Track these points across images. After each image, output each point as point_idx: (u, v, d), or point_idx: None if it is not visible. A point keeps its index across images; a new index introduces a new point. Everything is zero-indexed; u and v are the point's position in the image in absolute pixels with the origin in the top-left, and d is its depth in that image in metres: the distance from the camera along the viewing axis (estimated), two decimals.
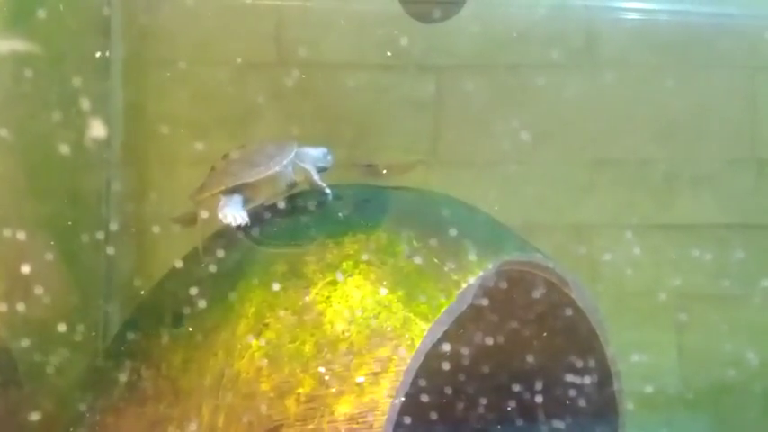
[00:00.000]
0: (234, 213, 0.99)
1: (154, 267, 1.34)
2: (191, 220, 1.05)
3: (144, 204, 1.43)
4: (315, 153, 1.10)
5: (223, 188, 1.02)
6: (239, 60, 1.51)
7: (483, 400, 1.07)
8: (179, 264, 1.01)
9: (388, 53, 1.56)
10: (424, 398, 0.95)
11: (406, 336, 0.86)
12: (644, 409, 1.46)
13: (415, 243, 0.96)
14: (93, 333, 1.25)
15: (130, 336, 0.97)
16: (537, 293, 1.01)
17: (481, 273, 0.93)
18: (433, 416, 1.00)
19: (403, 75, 1.59)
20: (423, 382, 0.90)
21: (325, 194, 1.05)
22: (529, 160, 1.58)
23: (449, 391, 1.04)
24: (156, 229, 1.34)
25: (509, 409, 1.08)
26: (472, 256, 0.95)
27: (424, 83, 1.59)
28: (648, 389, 1.47)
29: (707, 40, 1.58)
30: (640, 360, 1.54)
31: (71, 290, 1.14)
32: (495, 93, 1.59)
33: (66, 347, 1.10)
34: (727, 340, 1.52)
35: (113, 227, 1.36)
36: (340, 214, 1.01)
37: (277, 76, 1.54)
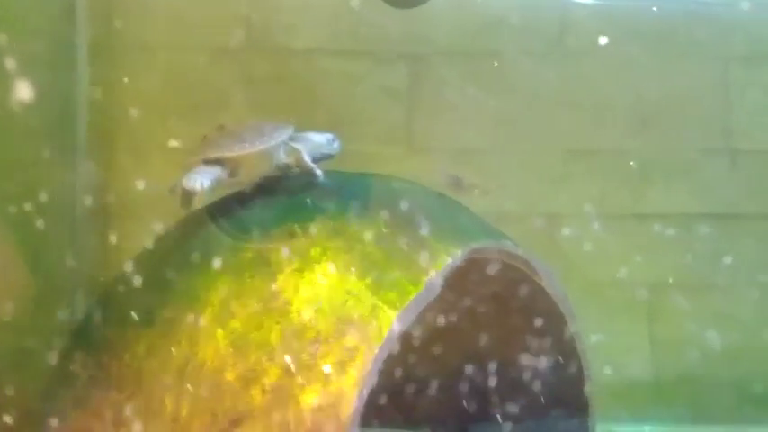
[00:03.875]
0: (195, 178, 0.97)
1: (123, 255, 1.31)
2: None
3: (112, 192, 1.40)
4: (317, 138, 1.09)
5: (203, 157, 1.01)
6: (210, 45, 1.49)
7: (451, 388, 1.06)
8: (144, 251, 0.99)
9: (362, 39, 1.55)
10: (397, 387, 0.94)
11: (374, 324, 0.84)
12: (615, 398, 1.46)
13: (384, 230, 0.94)
14: (61, 324, 1.22)
15: (94, 325, 0.95)
16: (506, 281, 1.00)
17: (450, 260, 0.92)
18: (406, 406, 0.99)
19: (377, 61, 1.57)
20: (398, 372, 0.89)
21: (315, 176, 1.04)
22: (503, 149, 1.58)
23: (420, 379, 1.03)
24: (124, 217, 1.32)
25: (477, 398, 1.07)
26: (441, 244, 0.94)
27: (399, 70, 1.57)
28: (620, 378, 1.48)
29: (681, 29, 1.57)
30: (612, 349, 1.54)
31: (37, 282, 1.12)
32: (469, 81, 1.58)
33: (33, 339, 1.08)
34: (699, 329, 1.52)
35: (80, 215, 1.34)
36: (309, 200, 0.99)
37: (249, 62, 1.52)
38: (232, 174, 1.02)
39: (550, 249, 1.56)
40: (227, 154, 1.01)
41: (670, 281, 1.58)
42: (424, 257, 0.92)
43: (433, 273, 0.90)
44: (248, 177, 1.03)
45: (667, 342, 1.57)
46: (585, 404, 1.08)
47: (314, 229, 0.93)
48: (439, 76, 1.58)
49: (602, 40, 1.53)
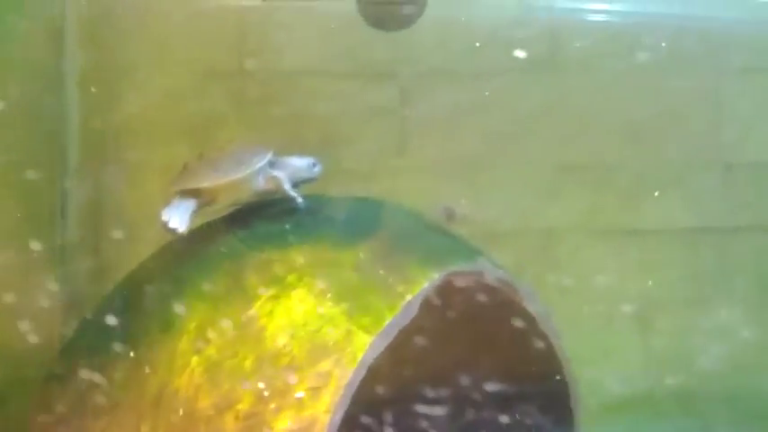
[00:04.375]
0: (173, 216, 0.98)
1: (113, 278, 1.32)
2: None
3: (102, 214, 1.41)
4: (298, 163, 1.08)
5: (181, 188, 1.02)
6: (201, 68, 1.50)
7: (433, 408, 1.06)
8: (125, 278, 1.00)
9: (352, 60, 1.55)
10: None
11: (348, 349, 0.85)
12: (609, 414, 1.46)
13: (361, 255, 0.95)
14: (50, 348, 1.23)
15: (75, 350, 0.96)
16: (486, 302, 1.00)
17: (426, 284, 0.92)
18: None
19: (367, 82, 1.58)
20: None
21: (295, 203, 1.04)
22: (494, 166, 1.58)
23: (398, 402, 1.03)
24: (114, 239, 1.33)
25: (456, 417, 1.07)
26: (418, 268, 0.94)
27: (389, 89, 1.58)
28: (614, 393, 1.47)
29: (672, 42, 1.57)
30: (606, 364, 1.54)
31: (26, 305, 1.13)
32: (459, 99, 1.58)
33: (21, 360, 1.09)
34: (692, 344, 1.52)
35: (71, 238, 1.35)
36: (288, 226, 1.00)
37: (239, 84, 1.53)
38: (211, 202, 1.03)
39: (542, 264, 1.56)
40: (204, 184, 1.01)
41: (663, 295, 1.58)
42: (401, 282, 0.92)
43: (409, 297, 0.90)
44: (227, 204, 1.04)
45: (660, 357, 1.57)
46: (570, 420, 1.08)
47: (292, 255, 0.94)
48: (429, 95, 1.59)
49: (593, 56, 1.53)
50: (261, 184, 1.04)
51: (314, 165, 1.10)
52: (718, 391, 1.52)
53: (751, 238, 1.59)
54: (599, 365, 1.52)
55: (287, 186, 1.04)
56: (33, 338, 0.99)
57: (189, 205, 1.01)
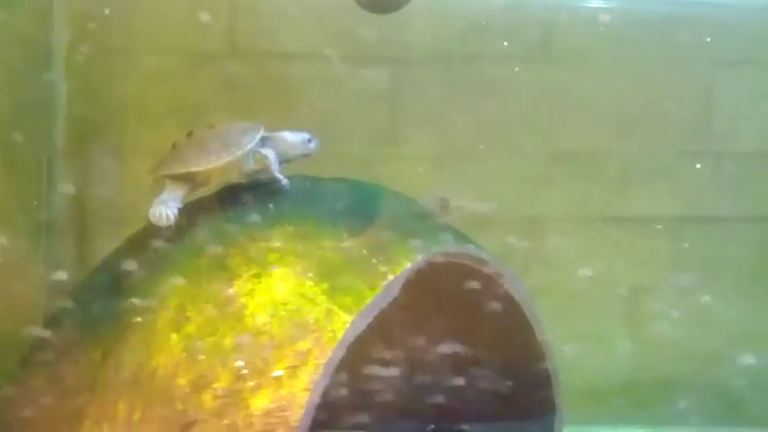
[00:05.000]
0: (163, 211, 0.97)
1: (98, 256, 1.32)
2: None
3: (87, 195, 1.41)
4: (291, 138, 1.07)
5: (170, 173, 1.01)
6: (192, 50, 1.50)
7: (415, 390, 1.06)
8: (107, 257, 1.00)
9: (344, 43, 1.55)
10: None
11: (329, 328, 0.85)
12: (596, 400, 1.46)
13: (344, 235, 0.95)
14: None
15: (55, 328, 0.96)
16: (470, 285, 1.00)
17: (409, 264, 0.92)
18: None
19: (358, 66, 1.57)
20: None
21: (280, 184, 1.03)
22: (485, 153, 1.57)
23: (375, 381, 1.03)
24: (99, 221, 1.32)
25: (441, 400, 1.07)
26: (402, 249, 0.94)
27: (380, 74, 1.57)
28: (601, 380, 1.48)
29: (663, 31, 1.57)
30: (594, 352, 1.54)
31: (10, 287, 1.13)
32: (451, 85, 1.57)
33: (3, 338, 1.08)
34: (680, 332, 1.52)
35: (56, 219, 1.34)
36: (271, 206, 0.99)
37: (230, 67, 1.52)
38: (201, 185, 1.02)
39: (532, 252, 1.56)
40: (194, 168, 1.00)
41: (651, 283, 1.58)
42: (384, 262, 0.92)
43: (391, 277, 0.90)
44: (216, 186, 1.03)
45: (648, 344, 1.57)
46: (552, 406, 1.08)
47: (274, 234, 0.94)
48: (421, 81, 1.58)
49: (586, 45, 1.52)
50: (251, 164, 1.02)
51: (309, 140, 1.08)
52: (704, 379, 1.52)
53: (739, 228, 1.59)
54: (586, 353, 1.52)
55: (274, 167, 1.03)
56: (17, 316, 0.99)
57: (177, 196, 0.99)
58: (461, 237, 1.05)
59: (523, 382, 1.07)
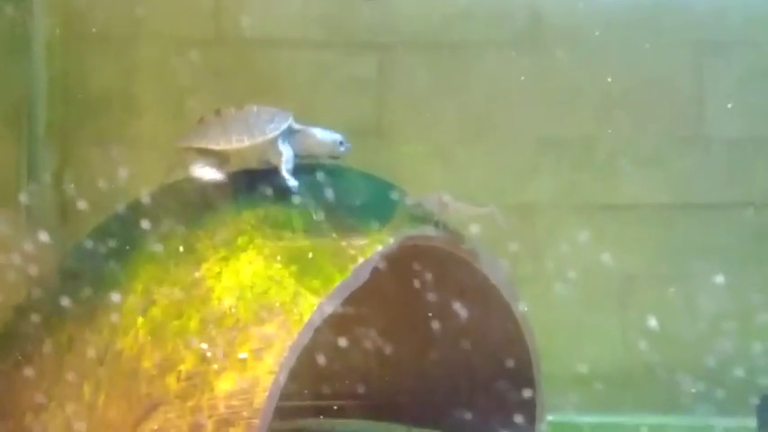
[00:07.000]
0: (205, 172, 0.96)
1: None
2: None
3: (67, 182, 1.40)
4: (321, 136, 1.03)
5: (189, 146, 0.99)
6: (176, 36, 1.49)
7: (393, 374, 1.05)
8: (79, 242, 1.00)
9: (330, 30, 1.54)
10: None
11: (295, 311, 0.84)
12: (586, 387, 1.45)
13: (315, 218, 0.94)
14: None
15: (26, 309, 0.95)
16: (445, 268, 0.99)
17: (380, 248, 0.91)
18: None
19: (345, 52, 1.56)
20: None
21: (288, 187, 0.97)
22: (473, 139, 1.56)
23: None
24: (79, 208, 1.31)
25: (419, 383, 1.07)
26: (375, 233, 0.93)
27: (367, 60, 1.56)
28: (592, 367, 1.46)
29: (653, 17, 1.55)
30: (584, 338, 1.53)
31: None
32: (438, 71, 1.56)
33: None
34: (671, 319, 1.51)
35: (36, 204, 1.34)
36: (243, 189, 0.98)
37: (215, 53, 1.52)
38: (219, 163, 0.99)
39: (520, 240, 1.55)
40: (212, 147, 0.98)
41: (641, 270, 1.56)
42: (353, 246, 0.91)
43: (361, 260, 0.89)
44: (235, 167, 1.00)
45: (639, 331, 1.56)
46: (532, 385, 1.07)
47: (243, 217, 0.93)
48: (408, 67, 1.57)
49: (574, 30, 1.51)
50: (267, 155, 0.99)
51: (341, 143, 1.04)
52: (695, 366, 1.51)
53: (730, 215, 1.58)
54: (576, 339, 1.51)
55: (285, 166, 0.98)
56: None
57: (212, 163, 0.98)
58: (437, 221, 1.03)
59: (502, 362, 1.06)
